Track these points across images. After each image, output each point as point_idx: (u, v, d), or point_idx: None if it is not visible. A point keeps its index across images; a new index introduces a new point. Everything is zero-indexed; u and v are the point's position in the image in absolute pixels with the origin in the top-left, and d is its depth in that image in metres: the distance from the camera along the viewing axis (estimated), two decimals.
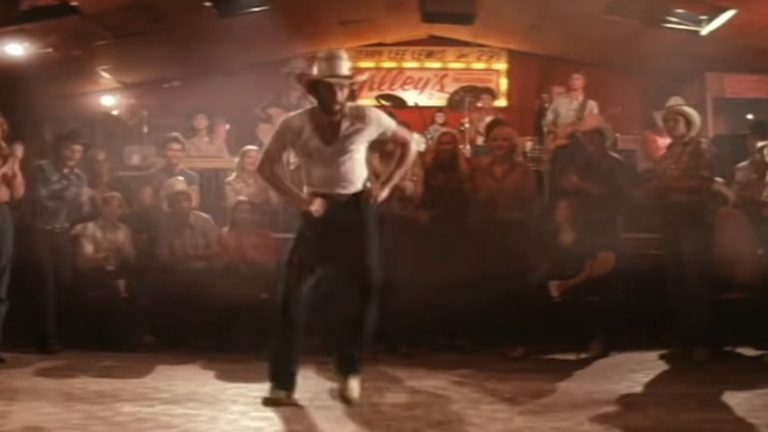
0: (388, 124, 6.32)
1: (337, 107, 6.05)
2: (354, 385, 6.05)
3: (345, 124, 6.11)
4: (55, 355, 8.49)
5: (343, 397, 6.01)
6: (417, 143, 10.74)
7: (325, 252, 6.19)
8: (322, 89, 6.06)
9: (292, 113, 6.44)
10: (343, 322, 6.34)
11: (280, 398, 6.08)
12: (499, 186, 9.18)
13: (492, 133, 9.91)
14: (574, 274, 8.75)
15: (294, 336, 6.26)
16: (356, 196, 6.22)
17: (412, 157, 6.65)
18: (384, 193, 6.33)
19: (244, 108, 12.76)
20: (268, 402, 6.05)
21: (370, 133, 6.22)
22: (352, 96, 6.24)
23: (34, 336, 8.84)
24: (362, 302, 6.16)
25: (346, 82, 6.07)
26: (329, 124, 6.11)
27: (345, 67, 6.10)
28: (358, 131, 6.15)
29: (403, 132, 6.55)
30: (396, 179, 6.50)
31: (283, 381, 6.17)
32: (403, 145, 6.45)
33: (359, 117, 6.17)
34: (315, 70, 6.23)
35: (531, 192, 9.54)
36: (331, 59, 6.09)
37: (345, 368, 6.14)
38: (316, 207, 6.10)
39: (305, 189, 6.32)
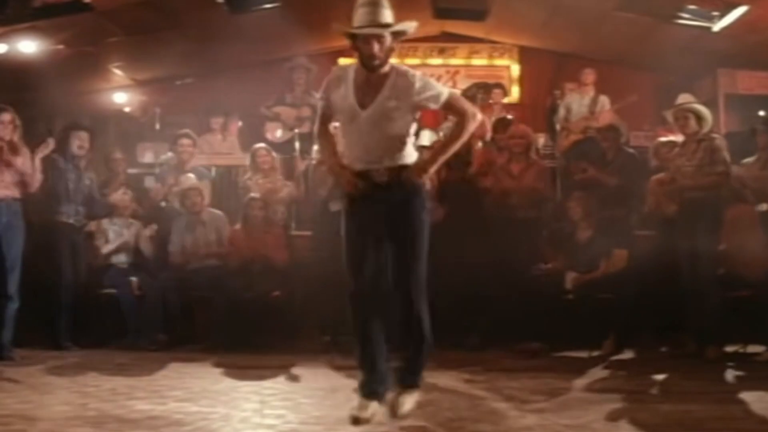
0: (440, 90, 5.41)
1: (376, 62, 5.27)
2: (404, 400, 5.41)
3: (387, 87, 5.33)
4: (68, 353, 8.52)
5: (391, 408, 5.39)
6: (429, 139, 10.77)
7: (374, 231, 5.43)
8: (359, 43, 5.29)
9: (340, 66, 5.76)
10: (400, 326, 5.58)
11: (364, 415, 5.28)
12: (516, 184, 9.17)
13: (509, 132, 9.89)
14: (590, 271, 8.75)
15: (375, 327, 5.48)
16: (399, 176, 5.40)
17: (468, 133, 5.56)
18: (429, 174, 5.54)
19: (256, 105, 12.74)
20: (354, 421, 5.27)
21: (415, 100, 5.34)
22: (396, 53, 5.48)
23: (47, 333, 8.87)
24: (409, 310, 5.46)
25: (385, 32, 5.28)
26: (369, 83, 5.36)
27: (384, 15, 5.31)
28: (400, 96, 5.31)
29: (461, 102, 5.63)
30: (445, 156, 5.58)
31: (370, 388, 5.42)
32: (461, 116, 5.49)
33: (404, 79, 5.33)
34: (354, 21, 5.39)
35: (547, 190, 9.52)
36: (367, 5, 5.31)
37: (399, 379, 5.50)
38: (352, 188, 5.41)
39: (343, 154, 5.62)
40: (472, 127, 5.53)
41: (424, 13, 13.64)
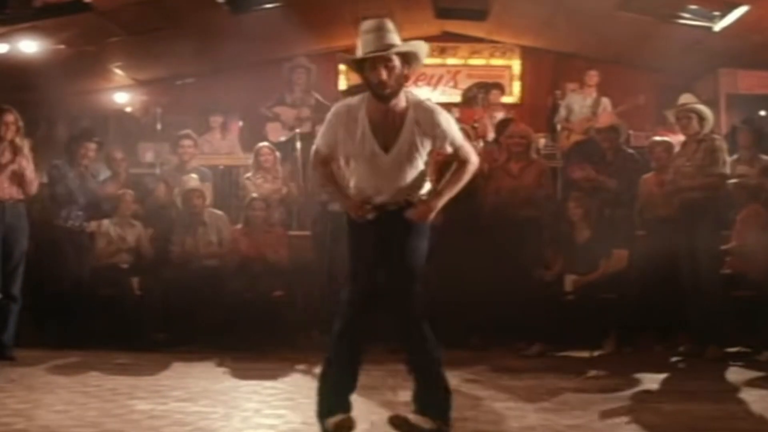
0: (455, 136, 5.23)
1: (387, 91, 4.99)
2: (425, 424, 5.20)
3: (408, 123, 5.09)
4: (70, 353, 8.52)
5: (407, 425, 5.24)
6: None
7: (376, 252, 5.24)
8: (366, 72, 5.03)
9: (347, 101, 5.30)
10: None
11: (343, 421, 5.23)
12: (516, 183, 9.17)
13: (509, 131, 9.88)
14: (589, 272, 8.75)
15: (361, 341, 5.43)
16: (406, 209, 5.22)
17: (469, 176, 5.40)
18: (433, 212, 5.28)
19: (257, 105, 12.75)
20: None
21: (434, 141, 5.17)
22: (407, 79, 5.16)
23: (50, 333, 8.89)
24: (408, 332, 5.29)
25: (390, 53, 4.97)
26: (387, 121, 5.09)
27: (389, 38, 5.01)
28: (424, 131, 5.11)
29: (466, 149, 5.37)
30: (447, 197, 5.32)
31: (344, 402, 5.34)
32: (465, 162, 5.33)
33: (426, 114, 5.11)
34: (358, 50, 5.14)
35: (547, 190, 9.51)
36: (371, 32, 5.03)
37: (422, 407, 5.31)
38: (364, 215, 5.21)
39: (351, 186, 5.35)
40: (472, 170, 5.38)
41: (426, 13, 13.67)
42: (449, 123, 5.20)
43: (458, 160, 5.34)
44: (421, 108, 5.13)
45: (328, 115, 5.28)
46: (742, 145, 9.38)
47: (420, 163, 5.20)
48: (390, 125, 5.10)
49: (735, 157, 9.37)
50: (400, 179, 5.17)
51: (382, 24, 5.07)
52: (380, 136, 5.10)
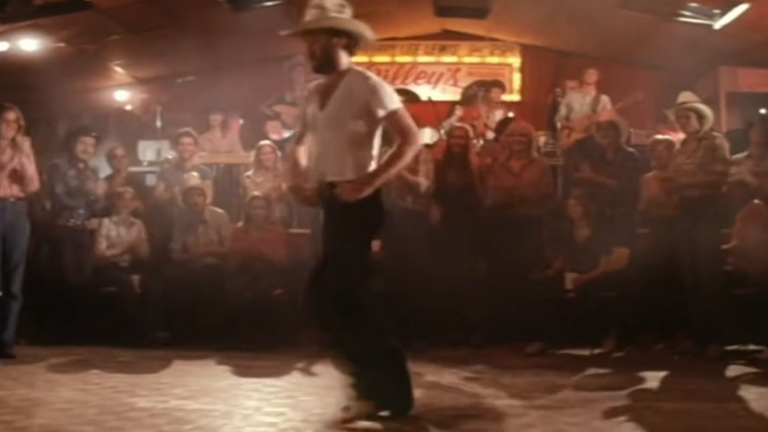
0: (388, 100, 5.16)
1: (315, 63, 5.26)
2: (354, 407, 5.38)
3: (342, 86, 5.21)
4: (70, 350, 8.52)
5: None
6: (430, 137, 10.77)
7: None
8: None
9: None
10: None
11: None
12: (516, 181, 9.15)
13: (510, 129, 9.87)
14: (589, 270, 8.75)
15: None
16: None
17: (407, 158, 5.27)
18: (364, 191, 5.12)
19: (257, 103, 12.75)
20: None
21: (363, 99, 5.13)
22: (350, 52, 5.32)
23: (50, 331, 8.90)
24: (335, 327, 5.32)
25: (298, 30, 5.27)
26: (327, 85, 5.29)
27: (309, 14, 5.25)
28: (352, 94, 5.15)
29: (406, 121, 5.22)
30: (381, 179, 5.22)
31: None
32: (402, 136, 5.19)
33: (358, 78, 5.20)
34: None
35: (548, 188, 9.50)
36: (307, 8, 5.28)
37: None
38: (304, 201, 5.53)
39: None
40: (410, 153, 5.24)
41: (426, 11, 13.69)
42: (380, 85, 5.19)
43: (397, 135, 5.22)
44: (358, 75, 5.24)
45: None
46: (755, 142, 9.35)
47: (351, 131, 5.18)
48: (329, 88, 5.26)
49: (745, 153, 9.34)
50: (335, 143, 5.19)
51: (315, 2, 5.26)
52: (320, 98, 5.29)
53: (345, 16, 5.28)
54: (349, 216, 5.15)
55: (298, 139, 5.69)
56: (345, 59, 5.31)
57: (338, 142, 5.19)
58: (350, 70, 5.29)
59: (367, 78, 5.20)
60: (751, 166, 9.18)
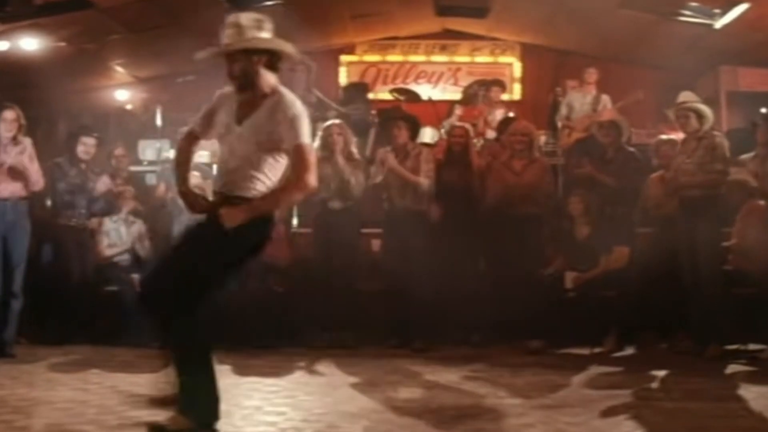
0: (301, 133, 4.98)
1: (235, 83, 5.17)
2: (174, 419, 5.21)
3: (264, 107, 5.09)
4: (71, 350, 8.52)
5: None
6: (430, 137, 10.77)
7: None
8: None
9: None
10: None
11: None
12: (518, 180, 9.13)
13: (511, 128, 9.85)
14: (589, 269, 8.76)
15: None
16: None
17: (293, 196, 5.31)
18: (239, 219, 4.94)
19: None
20: None
21: (279, 132, 4.99)
22: (273, 69, 5.25)
23: (51, 330, 8.90)
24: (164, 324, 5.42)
25: (226, 51, 5.12)
26: (249, 103, 5.14)
27: (227, 34, 5.15)
28: (269, 122, 5.01)
29: (309, 156, 5.00)
30: (262, 209, 5.06)
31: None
32: (297, 172, 5.00)
33: (280, 107, 5.05)
34: None
35: (549, 187, 9.49)
36: (225, 28, 5.18)
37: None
38: (190, 211, 5.43)
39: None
40: (297, 193, 5.15)
41: (426, 10, 13.67)
42: (301, 121, 5.01)
43: (293, 169, 5.05)
44: (282, 103, 5.08)
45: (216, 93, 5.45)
46: (761, 142, 9.33)
47: (266, 153, 5.05)
48: (251, 106, 5.11)
49: (753, 154, 9.33)
50: (243, 160, 5.05)
51: (231, 21, 5.17)
52: (240, 112, 5.14)
53: (264, 33, 5.20)
54: (227, 233, 4.98)
55: (191, 137, 5.56)
56: (269, 77, 5.21)
57: (247, 159, 5.06)
58: (275, 93, 5.16)
59: (289, 107, 5.05)
60: (755, 167, 9.17)
